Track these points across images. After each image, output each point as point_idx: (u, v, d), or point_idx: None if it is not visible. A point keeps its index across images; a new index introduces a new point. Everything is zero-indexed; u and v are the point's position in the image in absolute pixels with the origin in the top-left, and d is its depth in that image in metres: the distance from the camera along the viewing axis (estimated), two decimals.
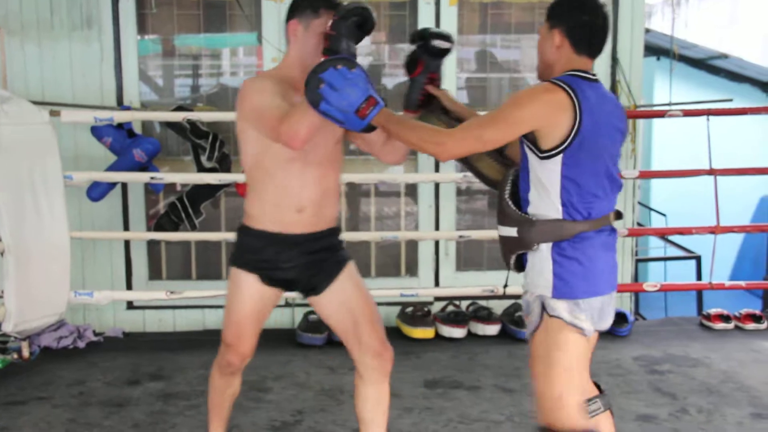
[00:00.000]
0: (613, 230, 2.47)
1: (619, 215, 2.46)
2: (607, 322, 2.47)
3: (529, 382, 3.97)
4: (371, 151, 2.82)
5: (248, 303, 2.76)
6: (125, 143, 4.51)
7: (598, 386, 2.54)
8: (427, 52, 2.58)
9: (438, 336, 4.72)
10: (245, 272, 2.74)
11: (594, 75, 2.39)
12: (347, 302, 2.76)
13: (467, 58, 5.13)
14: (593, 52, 2.40)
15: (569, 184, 2.32)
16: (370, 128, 2.42)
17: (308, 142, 2.47)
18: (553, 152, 2.29)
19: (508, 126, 2.30)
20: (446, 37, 2.58)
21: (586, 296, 2.36)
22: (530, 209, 2.40)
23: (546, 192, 2.35)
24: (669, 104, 5.17)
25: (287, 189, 2.66)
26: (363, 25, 2.44)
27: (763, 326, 4.96)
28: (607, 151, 2.37)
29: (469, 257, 5.15)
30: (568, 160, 2.30)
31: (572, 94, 2.26)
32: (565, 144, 2.28)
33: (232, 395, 2.98)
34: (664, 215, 8.69)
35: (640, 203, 7.18)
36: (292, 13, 2.66)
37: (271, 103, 2.52)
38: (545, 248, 2.37)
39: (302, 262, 2.73)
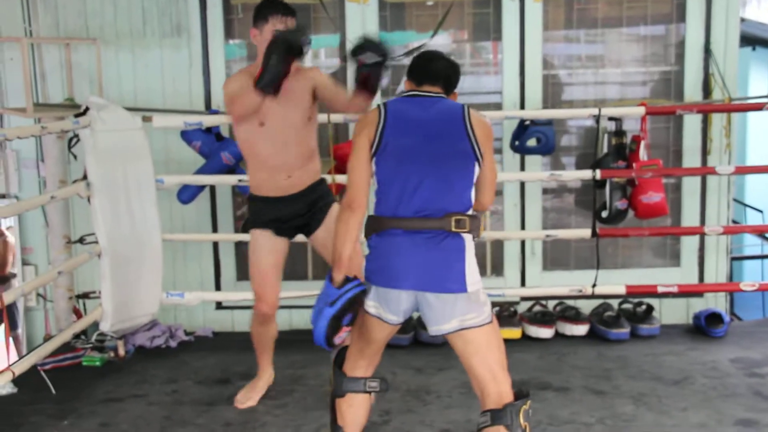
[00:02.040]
0: (443, 234, 2.62)
1: (458, 223, 2.61)
2: (439, 324, 2.65)
3: (621, 384, 3.91)
4: (338, 108, 3.54)
5: (265, 255, 3.54)
6: (213, 146, 4.61)
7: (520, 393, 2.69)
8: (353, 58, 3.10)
9: (525, 336, 4.67)
10: (260, 230, 3.54)
11: (428, 92, 2.76)
12: (326, 239, 3.43)
13: (551, 54, 5.07)
14: (429, 79, 2.77)
15: (379, 183, 2.71)
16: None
17: (243, 114, 3.29)
18: (372, 155, 2.69)
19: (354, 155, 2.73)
20: (375, 51, 3.04)
21: (379, 285, 2.66)
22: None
23: (373, 192, 2.74)
24: (767, 96, 4.99)
25: (267, 162, 3.43)
26: (291, 48, 3.07)
27: None
28: (420, 157, 2.64)
29: (555, 257, 5.08)
30: (377, 162, 2.69)
31: (382, 108, 2.71)
32: (374, 148, 2.67)
33: (271, 338, 3.79)
34: (761, 211, 8.39)
35: (735, 200, 6.96)
36: (253, 22, 3.41)
37: (230, 89, 3.35)
38: (370, 239, 2.73)
39: (295, 215, 3.52)
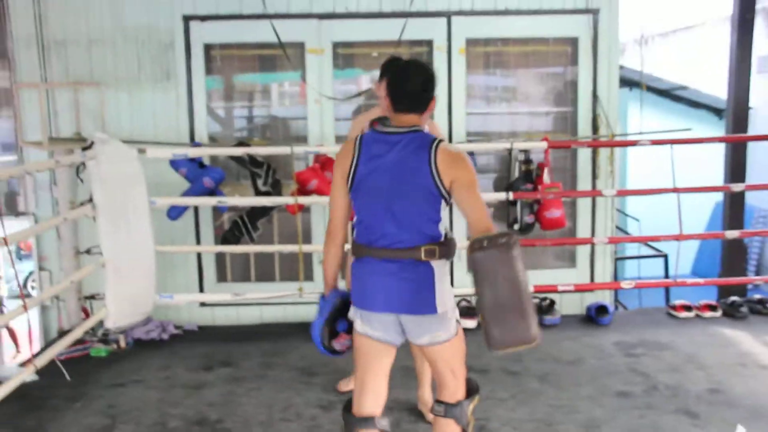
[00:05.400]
0: (414, 263, 2.40)
1: (428, 253, 2.39)
2: (414, 338, 2.49)
3: (530, 365, 4.07)
4: None
5: None
6: (197, 172, 4.66)
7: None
8: None
9: None
10: None
11: (398, 128, 2.43)
12: None
13: (473, 92, 5.23)
14: (404, 107, 2.44)
15: (356, 215, 2.50)
16: None
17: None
18: (348, 190, 2.48)
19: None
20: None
21: (358, 307, 2.49)
22: None
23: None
24: (640, 133, 5.26)
25: None
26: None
27: (718, 314, 5.01)
28: (386, 195, 2.39)
29: None
30: (353, 197, 2.48)
31: (357, 144, 2.45)
32: (348, 184, 2.46)
33: None
34: (637, 220, 8.74)
35: (618, 210, 7.26)
36: (379, 77, 3.22)
37: (350, 137, 2.87)
38: (353, 263, 2.53)
39: None
